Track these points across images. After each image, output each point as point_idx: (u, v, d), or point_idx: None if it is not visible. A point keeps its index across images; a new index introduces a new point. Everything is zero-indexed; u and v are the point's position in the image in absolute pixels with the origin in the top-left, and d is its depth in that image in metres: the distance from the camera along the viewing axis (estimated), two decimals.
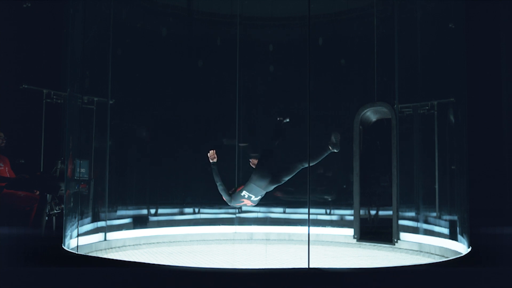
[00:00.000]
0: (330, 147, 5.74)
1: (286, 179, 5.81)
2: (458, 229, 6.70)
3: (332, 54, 8.82)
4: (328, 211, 8.77)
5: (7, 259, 5.52)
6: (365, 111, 7.87)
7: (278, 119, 6.30)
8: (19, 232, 7.19)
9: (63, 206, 7.23)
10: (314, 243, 6.79)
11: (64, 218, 6.61)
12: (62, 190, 7.45)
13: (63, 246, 6.27)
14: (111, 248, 7.15)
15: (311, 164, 5.58)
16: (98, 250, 6.89)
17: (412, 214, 7.57)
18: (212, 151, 5.89)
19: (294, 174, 5.78)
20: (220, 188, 5.94)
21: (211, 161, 5.90)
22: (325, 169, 8.51)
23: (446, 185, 7.23)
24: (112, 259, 6.07)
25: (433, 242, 7.04)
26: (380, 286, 4.70)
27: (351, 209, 7.96)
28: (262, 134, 9.25)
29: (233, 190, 6.00)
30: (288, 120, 6.25)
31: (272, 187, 5.85)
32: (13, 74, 8.45)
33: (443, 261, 6.15)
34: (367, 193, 7.96)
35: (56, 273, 4.87)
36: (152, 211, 8.50)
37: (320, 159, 5.78)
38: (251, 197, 5.86)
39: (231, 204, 6.00)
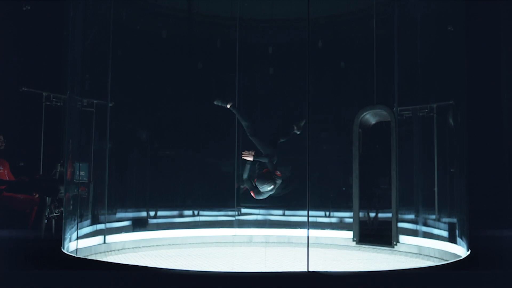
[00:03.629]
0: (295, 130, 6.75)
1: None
2: (457, 231, 6.70)
3: (331, 57, 8.82)
4: (327, 213, 8.77)
5: (7, 261, 5.53)
6: (365, 113, 7.86)
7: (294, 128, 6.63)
8: (18, 234, 7.20)
9: (62, 209, 7.24)
10: (313, 246, 6.78)
11: (63, 221, 6.62)
12: (61, 193, 7.45)
13: (62, 249, 6.27)
14: (111, 251, 7.15)
15: (246, 125, 6.49)
16: (97, 253, 6.88)
17: (412, 216, 7.57)
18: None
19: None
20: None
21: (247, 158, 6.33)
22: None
23: (446, 188, 7.23)
24: (112, 262, 6.07)
25: (433, 245, 7.03)
26: None
27: (350, 211, 7.95)
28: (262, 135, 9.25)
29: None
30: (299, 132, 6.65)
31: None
32: (13, 76, 8.46)
33: (442, 264, 6.14)
34: (366, 196, 7.95)
35: (55, 276, 4.87)
36: (152, 213, 8.50)
37: (241, 118, 6.61)
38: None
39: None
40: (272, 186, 6.19)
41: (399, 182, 7.40)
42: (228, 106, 6.58)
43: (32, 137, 8.45)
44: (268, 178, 6.16)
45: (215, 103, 6.64)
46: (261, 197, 6.34)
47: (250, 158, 6.31)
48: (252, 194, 6.34)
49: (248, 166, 6.37)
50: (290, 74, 9.03)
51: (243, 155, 6.33)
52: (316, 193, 8.45)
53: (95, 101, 7.34)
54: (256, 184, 6.19)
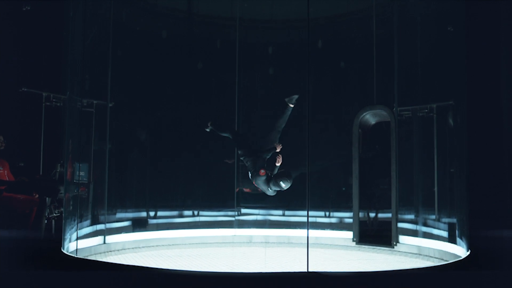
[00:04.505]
0: (288, 104, 6.50)
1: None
2: (457, 232, 6.70)
3: (331, 57, 8.82)
4: (327, 213, 8.77)
5: (7, 261, 5.53)
6: (364, 114, 7.87)
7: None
8: (18, 235, 7.19)
9: (62, 209, 7.24)
10: (313, 246, 6.80)
11: (63, 221, 6.62)
12: (61, 193, 7.45)
13: (62, 249, 6.27)
14: (110, 251, 7.16)
15: (282, 126, 6.42)
16: (97, 253, 6.89)
17: (412, 216, 7.57)
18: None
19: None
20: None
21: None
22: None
23: (446, 188, 7.23)
24: (111, 263, 6.08)
25: (432, 245, 7.04)
26: None
27: (350, 211, 7.95)
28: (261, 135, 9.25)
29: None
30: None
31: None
32: (13, 76, 8.46)
33: (442, 265, 6.14)
34: (366, 196, 7.95)
35: (55, 276, 4.88)
36: (152, 214, 8.50)
37: (286, 118, 6.50)
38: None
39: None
40: (286, 186, 6.06)
41: (399, 182, 7.40)
42: (291, 105, 6.59)
43: (32, 137, 8.44)
44: (289, 176, 6.08)
45: (294, 96, 6.60)
46: (261, 185, 6.16)
47: (279, 164, 6.25)
48: (261, 172, 6.14)
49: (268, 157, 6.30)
50: (290, 74, 9.02)
51: (279, 159, 6.24)
52: (316, 193, 8.45)
53: (95, 101, 7.34)
54: (279, 175, 6.04)
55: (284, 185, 6.02)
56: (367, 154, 8.01)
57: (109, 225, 7.34)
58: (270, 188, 6.15)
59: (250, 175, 6.25)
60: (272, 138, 6.46)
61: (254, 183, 6.23)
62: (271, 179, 6.09)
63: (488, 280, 4.93)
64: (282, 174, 6.04)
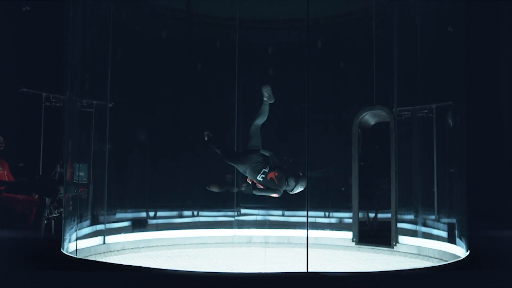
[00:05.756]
0: (265, 100, 5.90)
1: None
2: (456, 232, 6.70)
3: (331, 57, 8.82)
4: (327, 214, 8.77)
5: (7, 261, 5.54)
6: (364, 114, 7.87)
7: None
8: (18, 235, 7.20)
9: (62, 209, 7.24)
10: (313, 246, 6.80)
11: (63, 222, 6.62)
12: (61, 193, 7.46)
13: (62, 250, 6.27)
14: (110, 251, 7.16)
15: (262, 122, 5.87)
16: (97, 254, 6.89)
17: (411, 217, 7.57)
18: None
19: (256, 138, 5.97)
20: None
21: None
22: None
23: (445, 188, 7.23)
24: (111, 263, 6.08)
25: (432, 246, 7.04)
26: None
27: (350, 212, 7.95)
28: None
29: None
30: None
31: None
32: (13, 76, 8.47)
33: (441, 265, 6.14)
34: (366, 196, 7.95)
35: (55, 276, 4.88)
36: (151, 214, 8.50)
37: (266, 114, 5.95)
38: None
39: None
40: (298, 189, 5.85)
41: (399, 183, 7.40)
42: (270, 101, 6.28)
43: (32, 137, 8.46)
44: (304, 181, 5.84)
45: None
46: (280, 182, 5.90)
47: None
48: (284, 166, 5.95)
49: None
50: (290, 74, 9.02)
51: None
52: (315, 194, 8.45)
53: (94, 102, 7.34)
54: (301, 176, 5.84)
55: (299, 185, 5.74)
56: (364, 154, 8.00)
57: (108, 225, 7.34)
58: (288, 184, 5.82)
59: (263, 172, 5.85)
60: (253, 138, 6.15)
61: (271, 179, 5.92)
62: (291, 176, 5.80)
63: (488, 280, 4.94)
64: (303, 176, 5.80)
